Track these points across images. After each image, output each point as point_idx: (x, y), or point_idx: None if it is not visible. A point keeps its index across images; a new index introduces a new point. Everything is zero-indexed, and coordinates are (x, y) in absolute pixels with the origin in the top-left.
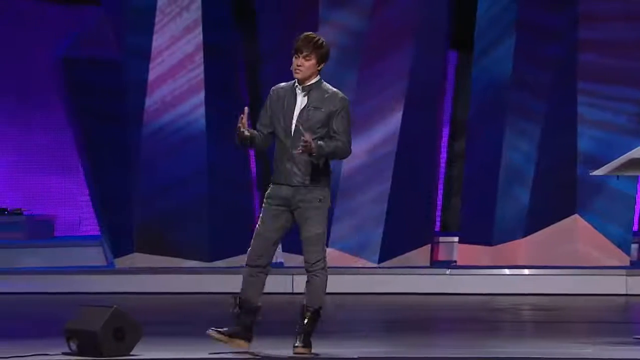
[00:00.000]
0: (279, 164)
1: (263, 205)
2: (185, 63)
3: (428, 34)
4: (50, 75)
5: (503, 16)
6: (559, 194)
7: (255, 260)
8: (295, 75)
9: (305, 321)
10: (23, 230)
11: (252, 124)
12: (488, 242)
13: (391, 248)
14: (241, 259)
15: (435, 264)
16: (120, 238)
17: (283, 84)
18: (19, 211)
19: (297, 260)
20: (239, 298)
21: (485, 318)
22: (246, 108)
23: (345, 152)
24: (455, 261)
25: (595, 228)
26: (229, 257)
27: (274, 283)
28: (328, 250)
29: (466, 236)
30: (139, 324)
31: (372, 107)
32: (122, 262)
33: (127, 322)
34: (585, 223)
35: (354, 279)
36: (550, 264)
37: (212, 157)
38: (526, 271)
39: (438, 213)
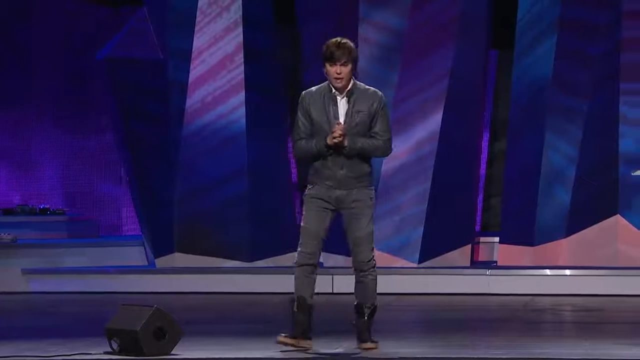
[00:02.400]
0: (329, 171)
1: (308, 204)
2: (226, 63)
3: (469, 32)
4: (96, 76)
5: (544, 15)
6: (601, 194)
7: (308, 260)
8: (337, 84)
9: (366, 318)
10: (66, 230)
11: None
12: (529, 242)
13: (431, 248)
14: (281, 259)
15: (476, 264)
16: (161, 238)
17: (314, 88)
18: (61, 211)
19: (337, 260)
20: (296, 298)
21: (525, 319)
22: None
23: (384, 150)
24: (496, 261)
25: (637, 228)
26: (269, 257)
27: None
28: None
29: (507, 236)
30: (179, 324)
31: (413, 107)
32: (162, 262)
33: (168, 322)
34: (627, 223)
35: (394, 279)
36: (591, 265)
37: (252, 157)
38: (567, 272)
39: (478, 213)
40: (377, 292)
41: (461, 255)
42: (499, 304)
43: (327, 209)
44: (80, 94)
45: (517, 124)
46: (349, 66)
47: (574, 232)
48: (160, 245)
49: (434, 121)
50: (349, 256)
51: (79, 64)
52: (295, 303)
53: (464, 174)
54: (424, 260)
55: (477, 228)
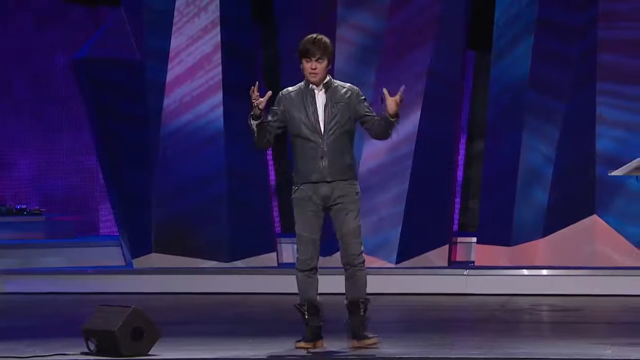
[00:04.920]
0: (311, 164)
1: (297, 209)
2: (204, 63)
3: (446, 33)
4: (71, 75)
5: (521, 16)
6: (578, 194)
7: (309, 264)
8: (312, 79)
9: (362, 313)
10: (43, 231)
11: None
12: (506, 242)
13: (409, 248)
14: (259, 260)
15: (453, 264)
16: (138, 238)
17: (291, 87)
18: (37, 211)
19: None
20: (305, 303)
21: (503, 319)
22: (269, 92)
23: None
24: (473, 261)
25: (614, 228)
26: (247, 257)
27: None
28: None
29: (484, 236)
30: (157, 324)
31: None
32: (140, 262)
33: (145, 322)
34: (604, 223)
35: (372, 279)
36: (569, 265)
37: (231, 157)
38: (544, 272)
39: (456, 213)
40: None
41: (439, 255)
42: (477, 304)
43: (317, 210)
44: (56, 92)
45: (494, 124)
46: (324, 62)
47: (551, 232)
48: (138, 245)
49: (412, 122)
50: (326, 256)
51: (54, 64)
52: (305, 308)
53: (441, 174)
54: (402, 261)
55: (455, 228)
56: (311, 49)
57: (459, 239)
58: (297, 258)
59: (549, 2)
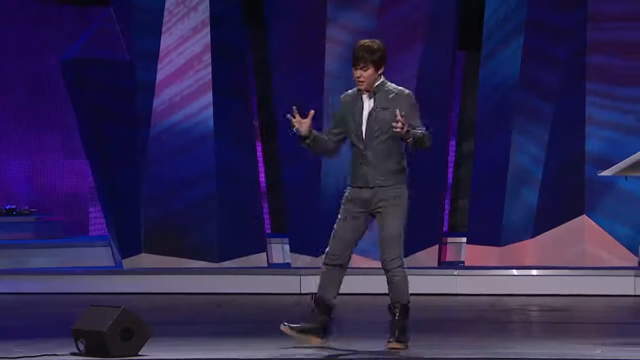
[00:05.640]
0: (357, 168)
1: (341, 208)
2: (194, 63)
3: (437, 34)
4: (61, 76)
5: (511, 16)
6: (567, 194)
7: (334, 260)
8: (359, 87)
9: (396, 317)
10: (33, 231)
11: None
12: (496, 242)
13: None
14: (249, 260)
15: (443, 264)
16: (128, 239)
17: (350, 90)
18: (27, 211)
19: (304, 260)
20: (315, 296)
21: (492, 319)
22: (312, 112)
23: (429, 142)
24: (463, 262)
25: (604, 229)
26: (237, 257)
27: (282, 283)
28: None
29: (474, 237)
30: (147, 325)
31: None
32: (129, 262)
33: (135, 323)
34: (594, 224)
35: (363, 279)
36: (558, 265)
37: (221, 157)
38: (534, 272)
39: (446, 214)
40: (344, 292)
41: (429, 255)
42: (467, 304)
43: (360, 213)
44: (46, 92)
45: (484, 125)
46: (369, 69)
47: (540, 233)
48: (128, 245)
49: None
50: (316, 256)
51: (43, 65)
52: (313, 301)
53: (432, 174)
54: None
55: (445, 228)
56: (355, 57)
57: (449, 239)
58: (325, 251)
59: (538, 3)
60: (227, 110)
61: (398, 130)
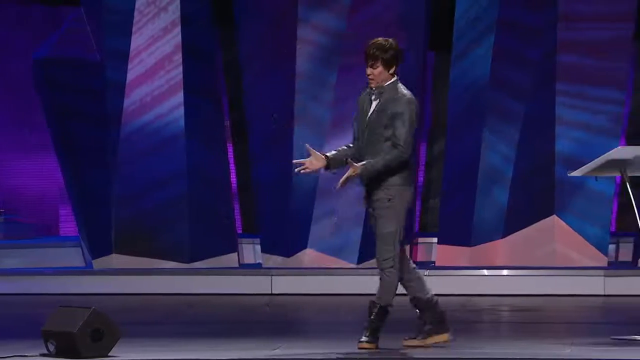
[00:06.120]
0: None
1: None
2: (164, 64)
3: (406, 34)
4: (30, 76)
5: (482, 17)
6: (538, 195)
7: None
8: (370, 84)
9: (372, 317)
10: (2, 231)
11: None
12: (467, 242)
13: (370, 249)
14: (220, 260)
15: (415, 264)
16: (98, 239)
17: (367, 91)
18: None
19: (275, 261)
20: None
21: (463, 319)
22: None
23: (398, 160)
24: (434, 262)
25: (574, 229)
26: (208, 258)
27: (253, 284)
28: (306, 251)
29: (445, 237)
30: (117, 325)
31: (352, 108)
32: (100, 263)
33: (105, 323)
34: (564, 224)
35: (334, 279)
36: (529, 265)
37: (191, 158)
38: (505, 272)
39: (417, 214)
40: (315, 292)
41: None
42: None
43: (370, 210)
44: (15, 91)
45: (455, 125)
46: (379, 68)
47: (511, 233)
48: (98, 246)
49: None
50: (288, 257)
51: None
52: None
53: None
54: (363, 261)
55: (416, 229)
56: (366, 54)
57: (420, 239)
58: None
59: (509, 3)
60: (198, 110)
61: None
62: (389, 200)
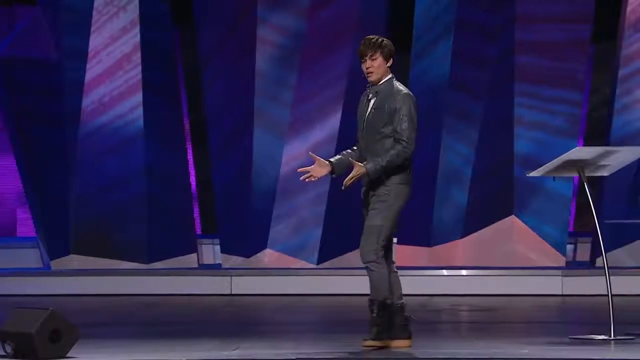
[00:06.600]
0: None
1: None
2: (123, 63)
3: (366, 34)
4: None
5: (441, 17)
6: (496, 195)
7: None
8: (370, 79)
9: (373, 314)
10: None
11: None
12: (426, 243)
13: (330, 249)
14: (179, 261)
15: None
16: (56, 240)
17: (365, 92)
18: None
19: (235, 261)
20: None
21: (423, 319)
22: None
23: (403, 156)
24: (394, 262)
25: (532, 229)
26: (167, 258)
27: (212, 284)
28: (266, 251)
29: (404, 237)
30: (75, 326)
31: (311, 108)
32: (58, 264)
33: (64, 324)
34: (522, 224)
35: (294, 279)
36: (488, 265)
37: (151, 157)
38: (464, 272)
39: None
40: (275, 292)
41: (359, 256)
42: None
43: (366, 210)
44: None
45: None
46: (379, 59)
47: (470, 233)
48: (56, 247)
49: (332, 122)
50: (248, 257)
51: None
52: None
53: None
54: (323, 261)
55: None
56: (362, 49)
57: None
58: None
59: (468, 4)
60: (157, 110)
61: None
62: (384, 195)
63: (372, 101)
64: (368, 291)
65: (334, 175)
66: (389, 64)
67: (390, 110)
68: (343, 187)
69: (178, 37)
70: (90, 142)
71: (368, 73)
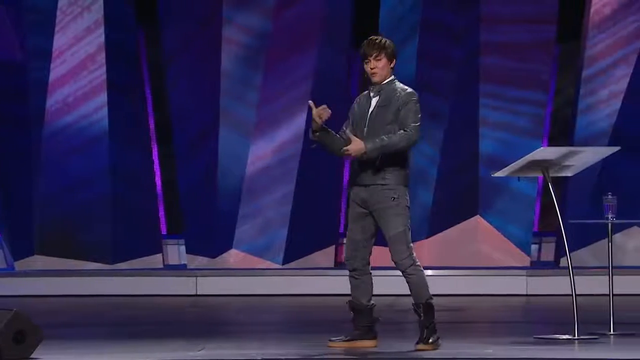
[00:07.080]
0: (355, 167)
1: (349, 209)
2: (87, 63)
3: (332, 34)
4: None
5: (407, 17)
6: (462, 195)
7: (351, 264)
8: (373, 79)
9: (421, 317)
10: None
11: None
12: None
13: (295, 249)
14: (144, 261)
15: (340, 265)
16: (20, 240)
17: (365, 92)
18: None
19: (201, 261)
20: (350, 302)
21: (389, 319)
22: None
23: (408, 138)
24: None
25: (497, 229)
26: (132, 259)
27: (177, 285)
28: (231, 251)
29: None
30: (40, 327)
31: (277, 108)
32: (22, 264)
33: (28, 325)
34: (487, 224)
35: (259, 280)
36: (453, 265)
37: (115, 158)
38: (429, 272)
39: (342, 214)
40: (240, 293)
41: (325, 256)
42: None
43: (363, 214)
44: None
45: None
46: (383, 60)
47: (435, 233)
48: (20, 247)
49: (298, 122)
50: (213, 257)
51: None
52: (350, 306)
53: (328, 175)
54: (288, 262)
55: (341, 229)
56: (366, 49)
57: (345, 240)
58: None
59: (433, 4)
60: (122, 110)
61: (347, 151)
62: (394, 199)
63: (375, 99)
64: (334, 291)
65: (316, 134)
66: (392, 65)
67: (397, 107)
68: (312, 145)
69: (143, 36)
70: (54, 142)
71: (372, 73)
